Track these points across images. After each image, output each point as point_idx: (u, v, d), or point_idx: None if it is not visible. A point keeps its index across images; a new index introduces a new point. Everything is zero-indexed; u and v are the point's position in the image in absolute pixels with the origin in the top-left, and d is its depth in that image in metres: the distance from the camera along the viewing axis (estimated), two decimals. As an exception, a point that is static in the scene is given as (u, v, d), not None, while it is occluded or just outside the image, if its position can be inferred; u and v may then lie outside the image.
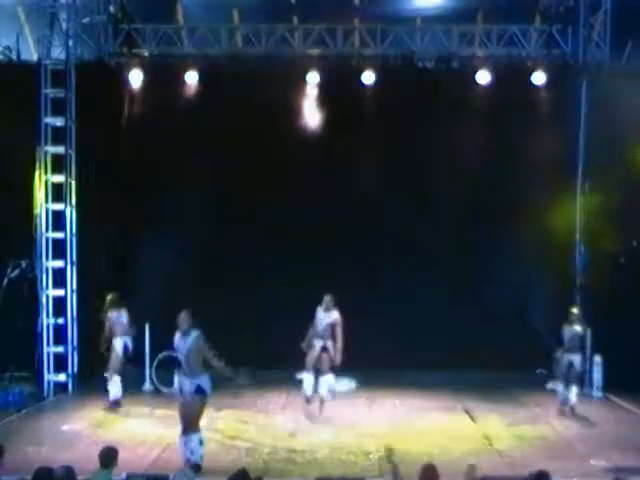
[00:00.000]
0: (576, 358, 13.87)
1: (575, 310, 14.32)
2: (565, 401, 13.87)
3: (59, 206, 15.57)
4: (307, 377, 13.61)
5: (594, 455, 11.19)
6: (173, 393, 11.43)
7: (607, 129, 14.99)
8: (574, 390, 13.79)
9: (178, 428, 10.82)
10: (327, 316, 13.54)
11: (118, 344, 14.22)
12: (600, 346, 15.07)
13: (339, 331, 13.43)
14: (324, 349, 13.51)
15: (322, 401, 13.56)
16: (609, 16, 16.20)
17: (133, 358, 14.69)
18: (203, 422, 13.04)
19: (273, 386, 15.43)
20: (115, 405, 14.01)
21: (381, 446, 11.61)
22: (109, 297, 14.37)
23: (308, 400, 13.65)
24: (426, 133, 16.47)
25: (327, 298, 13.53)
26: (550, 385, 15.46)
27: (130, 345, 14.39)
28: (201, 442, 10.68)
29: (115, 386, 14.08)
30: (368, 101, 16.95)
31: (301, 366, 14.61)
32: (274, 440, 12.01)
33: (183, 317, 10.98)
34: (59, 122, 15.45)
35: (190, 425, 10.64)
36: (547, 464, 9.88)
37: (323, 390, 13.56)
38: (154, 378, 15.62)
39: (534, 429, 12.81)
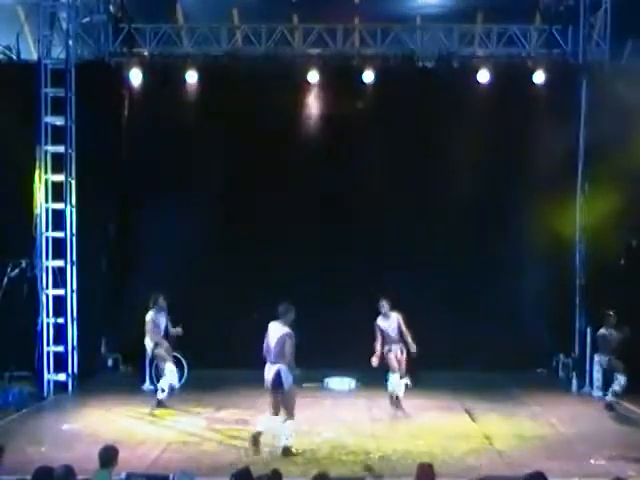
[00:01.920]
0: (608, 359, 13.98)
1: (612, 312, 14.24)
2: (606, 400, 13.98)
3: (59, 206, 15.56)
4: (395, 377, 13.66)
5: (594, 455, 11.18)
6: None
7: (607, 129, 14.97)
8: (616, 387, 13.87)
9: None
10: (392, 321, 13.58)
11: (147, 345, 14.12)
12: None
13: (404, 328, 13.56)
14: (401, 352, 13.66)
15: (398, 399, 13.74)
16: (609, 16, 16.18)
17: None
18: (202, 422, 13.13)
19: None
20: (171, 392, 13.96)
21: (381, 446, 11.66)
22: (160, 297, 14.07)
23: (396, 398, 13.73)
24: (426, 132, 16.48)
25: (385, 304, 13.51)
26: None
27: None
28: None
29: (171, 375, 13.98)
30: (368, 100, 16.96)
31: (302, 366, 14.64)
32: (274, 440, 12.00)
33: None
34: (59, 122, 15.44)
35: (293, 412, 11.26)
36: (547, 464, 9.94)
37: (400, 390, 13.73)
38: (154, 378, 15.60)
39: (534, 429, 12.80)
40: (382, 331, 13.57)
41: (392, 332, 13.59)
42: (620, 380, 13.79)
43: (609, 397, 13.92)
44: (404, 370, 13.73)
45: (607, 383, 14.29)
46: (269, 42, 16.78)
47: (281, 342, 11.15)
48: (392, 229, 16.45)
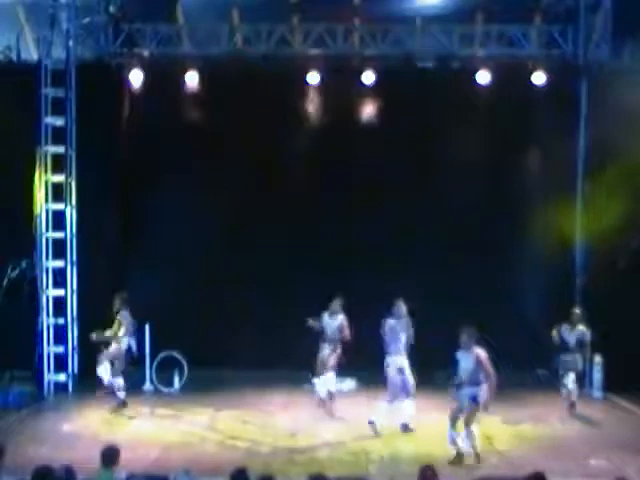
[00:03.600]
0: (578, 358, 13.95)
1: (577, 310, 14.31)
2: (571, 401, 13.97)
3: (59, 206, 15.58)
4: (318, 381, 13.94)
5: (594, 455, 11.19)
6: None
7: (607, 129, 14.98)
8: (575, 388, 13.90)
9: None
10: (334, 320, 13.86)
11: (125, 342, 14.18)
12: (600, 346, 15.05)
13: (347, 332, 13.82)
14: (333, 350, 13.87)
15: (332, 398, 13.94)
16: (609, 16, 16.19)
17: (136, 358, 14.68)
18: (202, 422, 13.15)
19: (273, 386, 15.43)
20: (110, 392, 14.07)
21: (381, 446, 11.67)
22: (122, 296, 14.25)
23: (322, 402, 13.92)
24: (426, 133, 16.47)
25: (336, 302, 13.85)
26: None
27: (134, 347, 14.38)
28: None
29: (104, 371, 14.13)
30: (368, 101, 16.97)
31: (302, 366, 14.71)
32: (274, 440, 12.02)
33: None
34: (59, 122, 15.46)
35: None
36: (547, 464, 9.94)
37: (331, 387, 13.93)
38: (154, 378, 15.62)
39: (534, 429, 12.82)
40: (322, 327, 13.90)
41: (330, 331, 13.82)
42: (575, 389, 13.96)
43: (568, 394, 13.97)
44: (331, 367, 13.85)
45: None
46: (269, 43, 16.77)
47: (406, 335, 12.86)
48: (392, 229, 16.43)
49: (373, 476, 10.29)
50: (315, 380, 14.03)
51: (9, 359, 14.57)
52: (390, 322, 12.90)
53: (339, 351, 13.87)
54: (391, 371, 12.82)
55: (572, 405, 13.81)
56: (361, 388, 15.68)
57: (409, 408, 12.85)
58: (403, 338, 12.91)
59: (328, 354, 13.85)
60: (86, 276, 15.76)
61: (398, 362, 12.84)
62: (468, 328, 11.52)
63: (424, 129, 16.44)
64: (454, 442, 11.14)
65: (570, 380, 13.81)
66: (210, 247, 16.46)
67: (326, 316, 13.90)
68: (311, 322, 13.88)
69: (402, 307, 12.98)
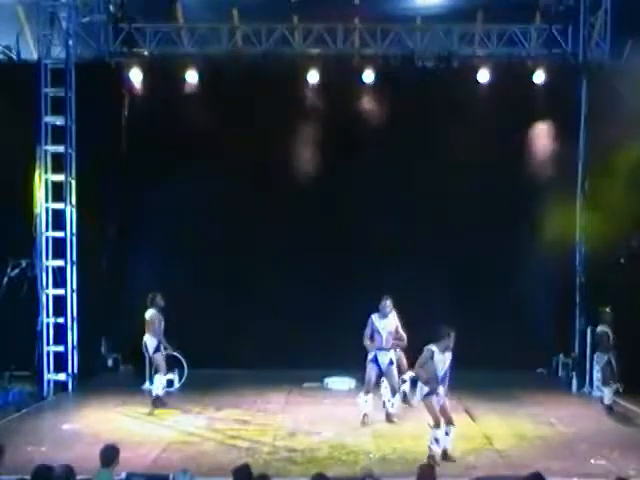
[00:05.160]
0: (607, 358, 14.08)
1: (608, 309, 14.27)
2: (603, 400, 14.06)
3: (59, 205, 15.57)
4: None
5: (594, 455, 11.18)
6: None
7: (607, 128, 14.98)
8: (607, 390, 13.99)
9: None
10: (389, 320, 13.34)
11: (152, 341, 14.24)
12: (600, 346, 15.05)
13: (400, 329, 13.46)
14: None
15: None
16: (609, 16, 16.22)
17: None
18: (202, 422, 13.13)
19: (273, 386, 15.42)
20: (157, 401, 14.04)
21: (381, 446, 11.66)
22: (158, 296, 14.17)
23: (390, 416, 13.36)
24: (426, 132, 16.47)
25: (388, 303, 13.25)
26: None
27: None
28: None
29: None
30: (368, 100, 16.97)
31: (302, 366, 14.70)
32: (274, 440, 12.01)
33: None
34: (59, 121, 15.46)
35: None
36: (547, 464, 9.97)
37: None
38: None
39: (534, 429, 12.80)
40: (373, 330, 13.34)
41: (383, 332, 13.25)
42: (605, 392, 13.96)
43: (607, 400, 13.97)
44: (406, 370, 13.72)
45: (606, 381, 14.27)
46: (269, 42, 16.79)
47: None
48: (392, 229, 16.42)
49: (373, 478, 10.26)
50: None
51: (9, 359, 14.57)
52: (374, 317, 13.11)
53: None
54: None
55: (609, 408, 13.92)
56: (361, 388, 15.65)
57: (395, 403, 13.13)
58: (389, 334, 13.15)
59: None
60: (86, 276, 15.76)
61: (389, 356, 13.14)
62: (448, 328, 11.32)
63: (424, 128, 16.44)
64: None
65: (608, 394, 13.95)
66: (210, 247, 16.48)
67: (377, 317, 13.33)
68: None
69: (388, 304, 13.08)
